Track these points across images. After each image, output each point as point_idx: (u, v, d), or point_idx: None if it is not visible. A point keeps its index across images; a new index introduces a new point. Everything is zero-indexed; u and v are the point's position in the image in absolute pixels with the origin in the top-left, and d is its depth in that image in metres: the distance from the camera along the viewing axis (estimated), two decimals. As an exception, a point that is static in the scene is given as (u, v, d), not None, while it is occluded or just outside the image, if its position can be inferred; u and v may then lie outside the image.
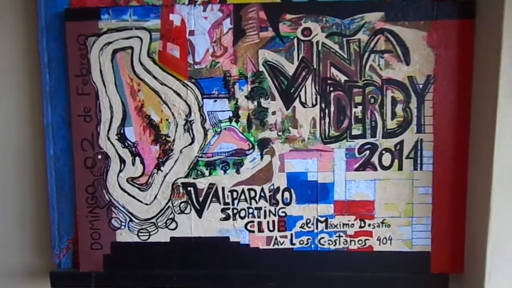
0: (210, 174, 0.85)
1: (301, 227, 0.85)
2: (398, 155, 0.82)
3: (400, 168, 0.82)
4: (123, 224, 0.87)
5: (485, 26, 0.77)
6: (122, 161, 0.85)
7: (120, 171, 0.86)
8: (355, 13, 0.79)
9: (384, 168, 0.82)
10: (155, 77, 0.83)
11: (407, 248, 0.84)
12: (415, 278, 0.84)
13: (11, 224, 0.91)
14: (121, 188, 0.86)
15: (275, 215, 0.85)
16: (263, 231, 0.85)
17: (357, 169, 0.83)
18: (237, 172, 0.84)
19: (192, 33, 0.82)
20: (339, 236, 0.84)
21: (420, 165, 0.82)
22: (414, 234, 0.83)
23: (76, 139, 0.85)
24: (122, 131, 0.85)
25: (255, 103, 0.83)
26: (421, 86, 0.80)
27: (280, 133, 0.83)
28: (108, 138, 0.85)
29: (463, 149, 0.80)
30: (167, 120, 0.84)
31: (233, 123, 0.84)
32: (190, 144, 0.84)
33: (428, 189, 0.82)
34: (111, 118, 0.85)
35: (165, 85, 0.83)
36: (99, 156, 0.86)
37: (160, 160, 0.85)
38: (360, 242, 0.84)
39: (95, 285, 0.88)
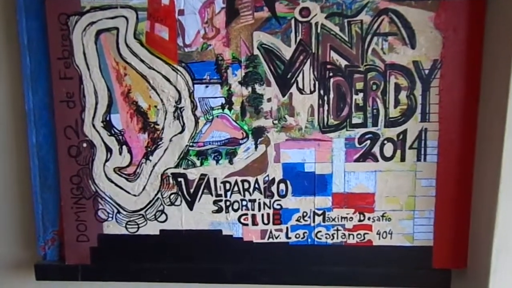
0: (202, 164, 0.74)
1: (297, 220, 0.75)
2: (401, 145, 0.72)
3: (402, 159, 0.72)
4: (110, 216, 0.77)
5: (498, 6, 0.66)
6: (109, 150, 0.75)
7: (107, 160, 0.75)
8: (357, -8, 0.69)
9: (386, 159, 0.72)
10: (142, 61, 0.72)
11: (408, 242, 0.74)
12: (416, 274, 0.75)
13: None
14: (108, 178, 0.76)
15: (270, 208, 0.75)
16: (257, 224, 0.76)
17: (357, 160, 0.73)
18: (230, 162, 0.74)
19: (181, 12, 0.71)
20: (337, 230, 0.75)
21: (424, 156, 0.72)
22: (416, 228, 0.74)
23: (59, 126, 0.75)
24: (108, 118, 0.74)
25: (250, 89, 0.72)
26: (427, 71, 0.70)
27: (275, 122, 0.73)
28: (93, 126, 0.75)
29: (470, 139, 0.70)
30: (155, 106, 0.73)
31: (226, 111, 0.73)
32: (180, 132, 0.74)
33: (432, 181, 0.72)
34: (96, 104, 0.74)
35: (153, 69, 0.72)
36: (84, 145, 0.75)
37: (149, 149, 0.75)
38: (359, 236, 0.75)
39: (81, 279, 0.78)
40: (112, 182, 0.76)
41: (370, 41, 0.69)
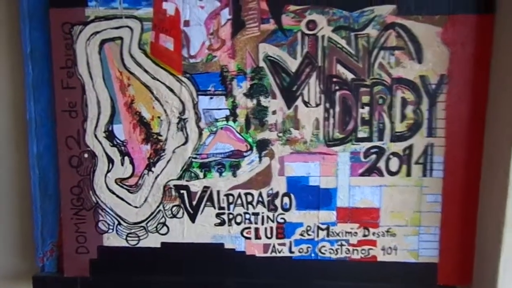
0: (205, 176, 0.69)
1: (301, 234, 0.70)
2: (407, 160, 0.67)
3: (408, 174, 0.67)
4: (111, 227, 0.72)
5: (506, 22, 0.62)
6: (110, 160, 0.70)
7: (108, 171, 0.70)
8: (364, 6, 0.64)
9: (391, 173, 0.67)
10: (146, 71, 0.67)
11: (413, 258, 0.69)
12: (419, 290, 0.70)
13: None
14: (109, 190, 0.70)
15: (273, 222, 0.70)
16: (260, 238, 0.70)
17: (362, 174, 0.67)
18: (234, 175, 0.69)
19: (187, 23, 0.66)
20: (341, 245, 0.70)
21: (430, 171, 0.67)
22: (421, 245, 0.69)
23: (60, 136, 0.70)
24: (110, 129, 0.69)
25: (254, 101, 0.67)
26: (433, 86, 0.65)
27: (280, 134, 0.67)
28: (95, 136, 0.69)
29: (476, 155, 0.65)
30: (159, 117, 0.68)
31: (230, 122, 0.68)
32: (184, 144, 0.68)
33: (438, 197, 0.67)
34: (99, 114, 0.69)
35: (158, 80, 0.67)
36: (86, 155, 0.70)
37: (151, 160, 0.70)
38: (363, 251, 0.70)
39: (80, 291, 0.73)
40: (113, 193, 0.70)
41: (377, 55, 0.65)
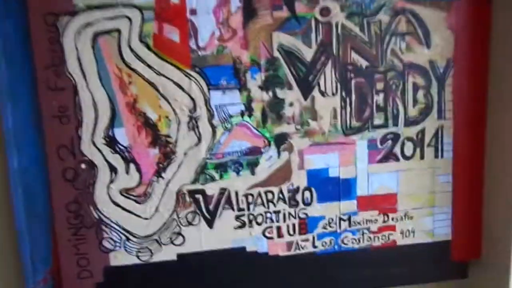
0: (221, 177, 0.62)
1: (324, 227, 0.66)
2: (420, 144, 0.66)
3: (422, 157, 0.65)
4: (117, 244, 0.62)
5: (503, 7, 0.64)
6: (113, 169, 0.60)
7: (111, 182, 0.60)
8: (375, -9, 0.62)
9: (406, 158, 0.66)
10: (150, 66, 0.59)
11: (429, 238, 0.68)
12: (436, 268, 0.70)
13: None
14: (113, 202, 0.61)
15: (295, 218, 0.65)
16: (282, 237, 0.64)
17: (379, 161, 0.65)
18: (252, 173, 0.63)
19: (193, 12, 0.59)
20: (363, 234, 0.68)
21: (441, 152, 0.67)
22: (436, 224, 0.68)
23: (50, 146, 0.58)
24: (111, 134, 0.59)
25: (270, 93, 0.62)
26: (441, 70, 0.64)
27: (298, 127, 0.62)
28: (93, 143, 0.59)
29: (480, 134, 0.66)
30: (167, 117, 0.60)
31: (246, 118, 0.61)
32: (196, 144, 0.60)
33: (449, 177, 0.68)
34: (96, 118, 0.59)
35: (163, 75, 0.58)
36: (83, 166, 0.60)
37: (161, 165, 0.61)
38: (383, 237, 0.68)
39: (86, 321, 0.63)
40: (118, 206, 0.60)
41: (389, 41, 0.63)
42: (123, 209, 0.59)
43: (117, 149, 0.58)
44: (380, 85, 0.62)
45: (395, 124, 0.64)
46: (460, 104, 0.65)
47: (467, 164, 0.66)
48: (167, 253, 0.61)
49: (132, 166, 0.59)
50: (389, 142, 0.64)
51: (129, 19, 0.56)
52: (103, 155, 0.58)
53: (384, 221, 0.66)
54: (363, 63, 0.62)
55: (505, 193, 0.63)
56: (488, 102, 0.65)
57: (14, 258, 0.60)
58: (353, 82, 0.62)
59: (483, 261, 0.69)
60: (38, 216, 0.59)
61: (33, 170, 0.58)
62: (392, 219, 0.66)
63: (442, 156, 0.66)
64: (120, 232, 0.60)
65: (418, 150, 0.65)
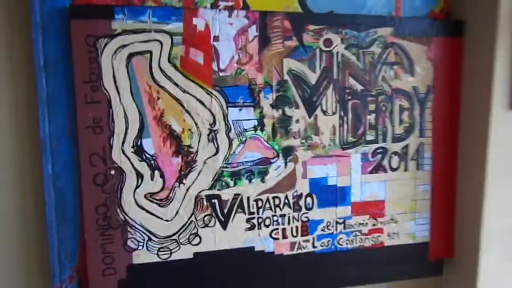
0: (235, 184, 0.69)
1: (322, 230, 0.75)
2: (404, 157, 0.76)
3: (406, 169, 0.76)
4: (140, 244, 0.68)
5: (471, 43, 0.77)
6: (139, 176, 0.67)
7: (137, 187, 0.67)
8: (370, 27, 0.73)
9: (393, 169, 0.75)
10: (176, 84, 0.66)
11: (411, 240, 0.80)
12: (417, 266, 0.80)
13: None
14: (138, 206, 0.67)
15: (298, 221, 0.74)
16: (287, 238, 0.73)
17: (370, 172, 0.75)
18: (262, 181, 0.71)
19: (216, 39, 0.67)
20: (356, 236, 0.77)
21: (422, 165, 0.77)
22: (417, 227, 0.79)
23: (84, 153, 0.64)
24: (139, 143, 0.66)
25: (280, 111, 0.70)
26: (422, 95, 0.76)
27: (303, 141, 0.71)
28: (123, 151, 0.66)
29: (453, 150, 0.77)
30: (189, 130, 0.67)
31: (258, 132, 0.70)
32: (215, 154, 0.68)
33: (428, 186, 0.79)
34: (126, 129, 0.65)
35: (188, 93, 0.66)
36: (112, 172, 0.66)
37: (182, 172, 0.68)
38: (373, 239, 0.78)
39: (108, 315, 0.68)
40: (143, 209, 0.67)
41: (380, 69, 0.74)
42: (147, 211, 0.66)
43: (144, 157, 0.65)
44: (372, 106, 0.73)
45: (384, 140, 0.74)
46: (437, 124, 0.76)
47: (442, 176, 0.77)
48: (184, 252, 0.68)
49: (156, 173, 0.65)
50: (379, 155, 0.74)
51: (160, 42, 0.63)
52: (131, 163, 0.64)
53: (373, 225, 0.75)
54: (359, 87, 0.72)
55: (474, 201, 0.74)
56: (460, 123, 0.76)
57: (42, 257, 0.65)
58: (349, 103, 0.72)
59: (455, 260, 0.80)
60: (67, 218, 0.64)
61: (65, 175, 0.64)
62: (381, 222, 0.76)
63: (422, 168, 0.76)
64: (144, 233, 0.66)
65: (403, 163, 0.75)
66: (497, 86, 0.71)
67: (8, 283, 0.66)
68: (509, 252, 0.76)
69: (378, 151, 0.74)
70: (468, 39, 0.75)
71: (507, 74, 0.70)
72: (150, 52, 0.63)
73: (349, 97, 0.71)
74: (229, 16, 0.65)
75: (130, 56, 0.63)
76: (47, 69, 0.61)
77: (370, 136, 0.73)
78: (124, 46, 0.62)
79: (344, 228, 0.74)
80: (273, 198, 0.70)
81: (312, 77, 0.70)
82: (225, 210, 0.69)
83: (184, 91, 0.65)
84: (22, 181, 0.64)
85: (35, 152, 0.64)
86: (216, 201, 0.68)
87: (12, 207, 0.65)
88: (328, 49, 0.70)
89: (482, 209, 0.74)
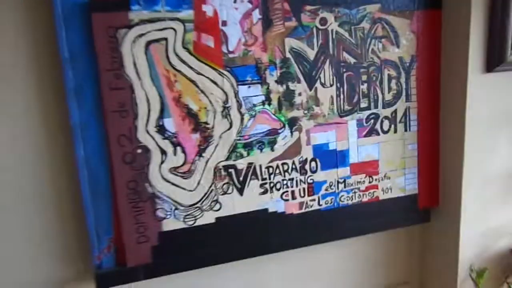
0: (248, 154, 0.77)
1: (326, 189, 0.85)
2: (394, 121, 0.87)
3: (395, 131, 0.85)
4: (168, 213, 0.76)
5: (449, 15, 0.86)
6: (163, 152, 0.74)
7: (162, 162, 0.74)
8: (360, 5, 0.80)
9: (384, 132, 0.86)
10: (191, 67, 0.72)
11: (402, 193, 0.90)
12: (408, 215, 0.92)
13: (41, 232, 0.73)
14: (164, 179, 0.74)
15: (304, 183, 0.83)
16: (295, 199, 0.83)
17: (365, 136, 0.85)
18: (272, 149, 0.79)
19: (224, 23, 0.73)
20: (355, 192, 0.87)
21: (409, 127, 0.88)
22: (407, 182, 0.90)
23: (112, 135, 0.70)
24: (161, 123, 0.73)
25: (284, 86, 0.78)
26: (407, 64, 0.85)
27: (305, 112, 0.79)
28: (147, 131, 0.72)
29: (436, 111, 0.89)
30: (205, 108, 0.74)
31: (266, 106, 0.77)
32: (229, 129, 0.75)
33: (415, 145, 0.89)
34: (149, 111, 0.71)
35: (202, 74, 0.73)
36: (139, 150, 0.73)
37: (201, 147, 0.76)
38: (370, 194, 0.88)
39: (144, 277, 0.77)
40: (168, 182, 0.74)
41: (370, 43, 0.83)
42: (172, 184, 0.74)
43: (166, 135, 0.72)
44: (364, 77, 0.82)
45: (376, 106, 0.83)
46: (421, 89, 0.86)
47: (427, 135, 0.88)
48: (207, 218, 0.76)
49: (178, 148, 0.73)
50: (372, 120, 0.84)
51: (174, 30, 0.69)
52: (155, 141, 0.71)
53: (369, 182, 0.86)
54: (352, 60, 0.80)
55: (455, 156, 0.85)
56: (441, 87, 0.86)
57: (81, 231, 0.72)
58: (344, 75, 0.80)
59: (440, 208, 0.91)
60: (100, 195, 0.71)
61: (95, 157, 0.70)
62: (376, 179, 0.86)
63: (409, 129, 0.86)
64: (171, 203, 0.74)
65: (392, 126, 0.85)
66: (472, 52, 0.80)
67: (52, 257, 0.73)
68: (485, 199, 0.88)
69: (371, 116, 0.83)
70: (445, 11, 0.83)
71: (481, 41, 0.79)
72: (166, 39, 0.69)
73: (344, 70, 0.80)
74: (235, 1, 0.71)
75: (148, 44, 0.69)
76: (72, 60, 0.67)
77: (363, 104, 0.82)
78: (141, 35, 0.68)
79: (345, 186, 0.84)
80: (282, 164, 0.79)
81: (311, 54, 0.77)
82: (241, 178, 0.77)
83: (198, 73, 0.72)
84: (57, 165, 0.71)
85: (66, 137, 0.69)
86: (232, 170, 0.76)
87: (51, 190, 0.71)
88: (323, 27, 0.77)
89: (463, 163, 0.84)
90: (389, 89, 0.83)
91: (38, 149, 0.69)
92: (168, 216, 0.74)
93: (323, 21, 0.77)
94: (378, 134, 0.84)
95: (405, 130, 0.86)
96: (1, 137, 0.67)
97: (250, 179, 0.78)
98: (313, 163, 0.81)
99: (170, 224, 0.74)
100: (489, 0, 0.79)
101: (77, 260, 0.74)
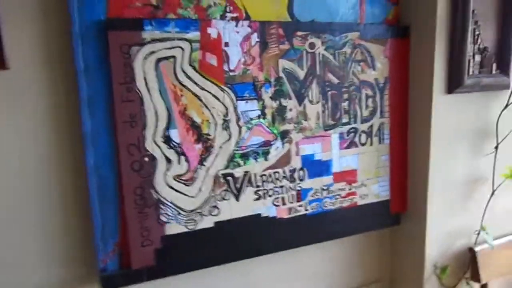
0: (245, 163, 0.84)
1: (312, 196, 0.94)
2: (370, 134, 0.99)
3: (371, 143, 0.97)
4: (171, 218, 0.81)
5: (416, 43, 0.99)
6: (168, 161, 0.79)
7: (167, 170, 0.80)
8: (342, 32, 0.92)
9: (362, 144, 0.97)
10: (196, 83, 0.79)
11: (376, 199, 1.01)
12: (381, 219, 1.04)
13: (48, 236, 0.76)
14: (168, 186, 0.80)
15: (293, 190, 0.92)
16: (285, 204, 0.91)
17: (346, 148, 0.96)
18: (266, 159, 0.87)
19: (227, 44, 0.81)
20: (336, 199, 0.97)
21: (382, 140, 1.00)
22: (380, 189, 1.01)
23: (122, 144, 0.75)
24: (167, 134, 0.79)
25: (277, 102, 0.86)
26: (382, 85, 0.97)
27: (295, 125, 0.89)
28: (154, 141, 0.78)
29: (405, 127, 1.02)
30: (207, 120, 0.81)
31: (261, 120, 0.85)
32: (228, 140, 0.83)
33: (387, 156, 1.01)
34: (156, 122, 0.77)
35: (205, 90, 0.80)
36: (146, 159, 0.78)
37: (203, 156, 0.82)
38: (349, 200, 0.99)
39: (147, 279, 0.81)
40: (172, 188, 0.80)
41: (351, 65, 0.94)
42: (176, 190, 0.79)
43: (172, 145, 0.78)
44: (345, 95, 0.92)
45: (355, 121, 0.94)
46: (393, 107, 0.98)
47: (398, 147, 1.00)
48: (207, 222, 0.83)
49: (182, 157, 0.79)
50: (352, 134, 0.94)
51: (182, 49, 0.76)
52: (161, 150, 0.77)
53: (349, 189, 0.96)
54: (335, 80, 0.91)
55: (421, 166, 0.97)
56: (409, 105, 0.99)
57: (87, 235, 0.76)
58: (329, 93, 0.90)
59: (408, 212, 1.03)
60: (108, 200, 0.76)
61: (105, 165, 0.75)
62: (354, 187, 0.96)
63: (383, 142, 0.98)
64: (173, 208, 0.80)
65: (369, 139, 0.96)
66: (436, 76, 0.93)
67: (58, 259, 0.76)
68: (448, 203, 1.01)
69: (351, 130, 0.94)
70: (413, 40, 0.96)
71: (443, 66, 0.93)
72: (174, 57, 0.76)
73: (329, 89, 0.90)
74: (236, 26, 0.80)
75: (158, 61, 0.75)
76: (87, 73, 0.71)
77: (345, 119, 0.93)
78: (152, 52, 0.74)
79: (328, 193, 0.93)
80: (274, 173, 0.87)
81: (301, 74, 0.87)
82: (238, 185, 0.84)
83: (202, 89, 0.79)
84: (67, 171, 0.74)
85: (77, 145, 0.73)
86: (230, 178, 0.83)
87: (59, 195, 0.74)
88: (312, 50, 0.87)
89: (428, 172, 0.97)
90: (366, 106, 0.95)
91: (48, 155, 0.73)
92: (171, 221, 0.79)
93: (312, 45, 0.87)
94: (356, 146, 0.95)
95: (379, 143, 0.97)
96: (15, 142, 0.70)
97: (246, 187, 0.85)
98: (301, 172, 0.90)
99: (173, 228, 0.80)
100: (450, 32, 0.92)
101: (82, 263, 0.77)
